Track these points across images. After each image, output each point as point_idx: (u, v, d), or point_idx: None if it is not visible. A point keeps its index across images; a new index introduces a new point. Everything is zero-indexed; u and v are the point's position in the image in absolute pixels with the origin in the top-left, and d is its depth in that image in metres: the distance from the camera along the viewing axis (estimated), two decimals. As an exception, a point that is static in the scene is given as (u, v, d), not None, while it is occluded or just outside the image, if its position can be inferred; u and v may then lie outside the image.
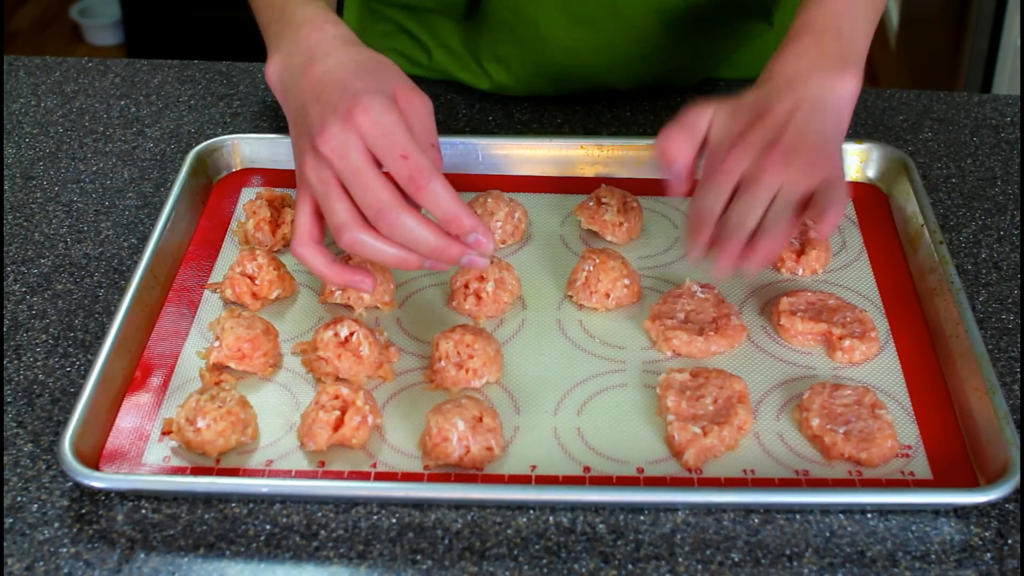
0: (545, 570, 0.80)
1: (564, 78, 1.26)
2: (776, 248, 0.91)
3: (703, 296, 0.98)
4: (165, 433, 0.88)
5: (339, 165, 0.86)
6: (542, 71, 1.26)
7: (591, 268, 0.99)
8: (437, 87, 1.28)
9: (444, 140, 1.14)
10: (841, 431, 0.86)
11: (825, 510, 0.83)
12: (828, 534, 0.82)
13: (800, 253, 1.02)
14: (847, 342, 0.94)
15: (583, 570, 0.79)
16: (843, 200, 0.91)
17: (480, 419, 0.86)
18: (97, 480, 0.83)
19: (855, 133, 1.22)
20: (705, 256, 0.92)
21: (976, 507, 0.83)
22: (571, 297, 1.00)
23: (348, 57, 0.91)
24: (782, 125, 0.91)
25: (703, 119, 0.95)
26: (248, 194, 1.12)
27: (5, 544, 0.81)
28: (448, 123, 1.23)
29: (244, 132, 1.21)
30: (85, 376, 0.90)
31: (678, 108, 0.96)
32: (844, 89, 0.94)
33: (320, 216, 0.89)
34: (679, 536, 0.82)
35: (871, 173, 1.13)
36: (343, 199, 0.86)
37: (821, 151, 0.92)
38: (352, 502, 0.84)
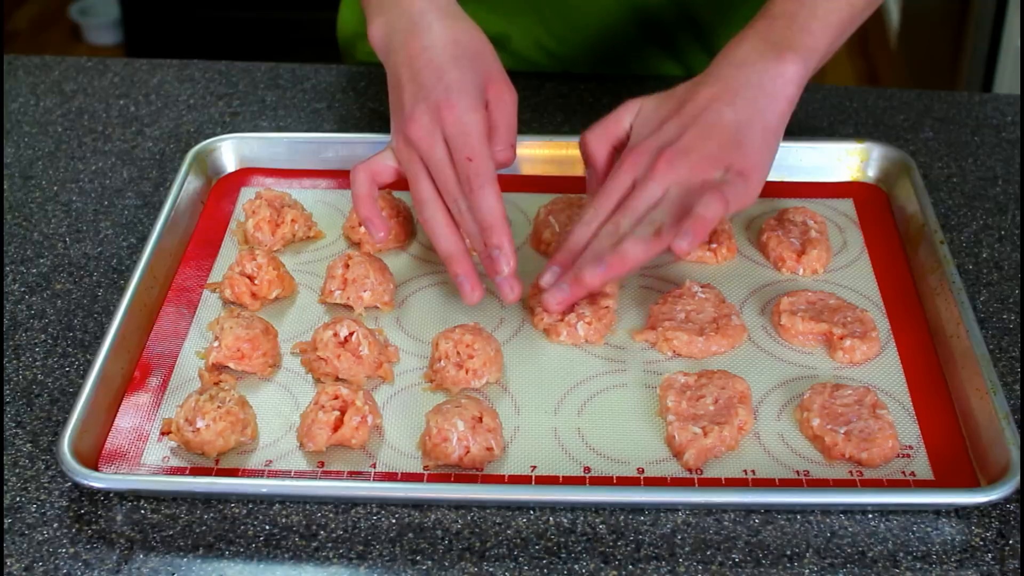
0: (545, 570, 0.79)
1: (567, 42, 1.27)
2: (621, 268, 0.89)
3: (703, 296, 0.98)
4: (164, 433, 0.88)
5: (425, 153, 0.93)
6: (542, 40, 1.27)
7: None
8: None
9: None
10: (842, 431, 0.86)
11: (826, 510, 0.83)
12: (829, 534, 0.82)
13: (801, 253, 1.02)
14: (848, 342, 0.94)
15: (583, 570, 0.79)
16: (737, 198, 0.88)
17: (480, 419, 0.86)
18: (96, 480, 0.83)
19: (856, 132, 1.22)
20: (553, 284, 0.92)
21: (977, 507, 0.83)
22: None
23: (449, 36, 0.94)
24: (696, 116, 0.91)
25: (627, 115, 0.95)
26: (248, 194, 1.11)
27: (4, 544, 0.81)
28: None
29: (244, 132, 1.20)
30: (84, 376, 0.90)
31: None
32: (778, 74, 0.91)
33: (396, 171, 0.96)
34: (679, 536, 0.81)
35: (872, 173, 1.13)
36: (428, 180, 0.94)
37: (730, 141, 0.89)
38: (352, 502, 0.84)
